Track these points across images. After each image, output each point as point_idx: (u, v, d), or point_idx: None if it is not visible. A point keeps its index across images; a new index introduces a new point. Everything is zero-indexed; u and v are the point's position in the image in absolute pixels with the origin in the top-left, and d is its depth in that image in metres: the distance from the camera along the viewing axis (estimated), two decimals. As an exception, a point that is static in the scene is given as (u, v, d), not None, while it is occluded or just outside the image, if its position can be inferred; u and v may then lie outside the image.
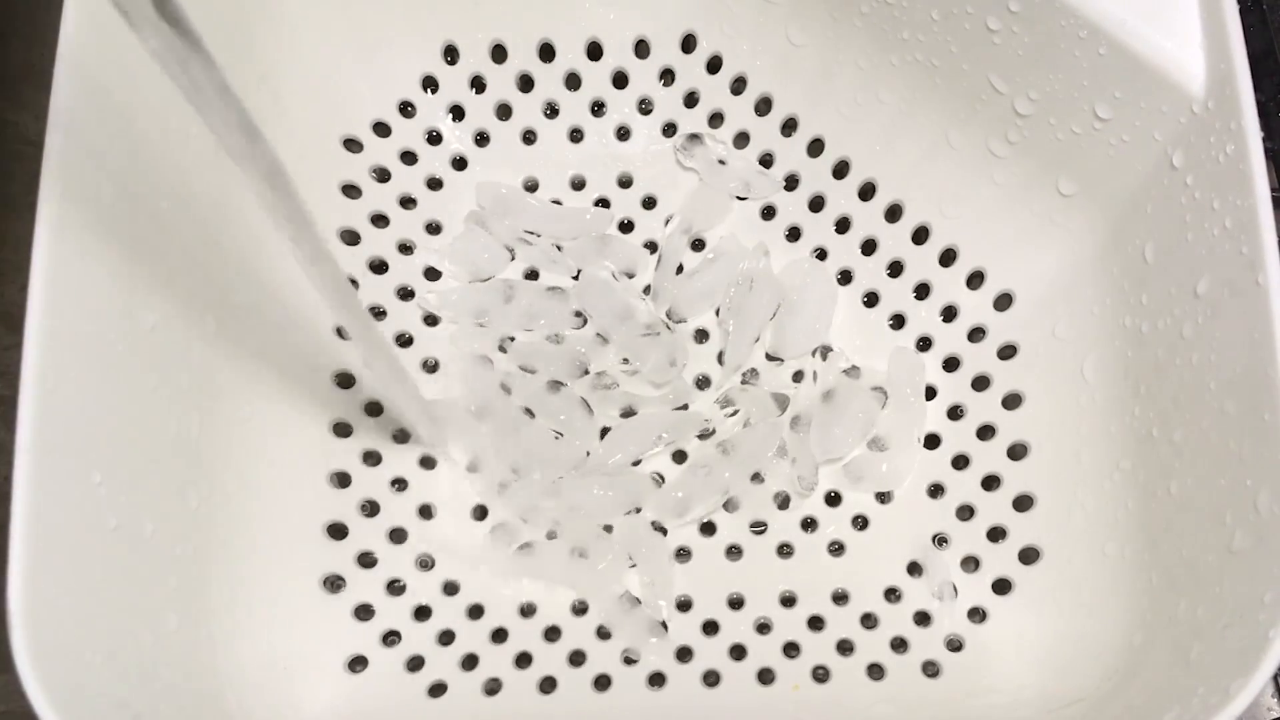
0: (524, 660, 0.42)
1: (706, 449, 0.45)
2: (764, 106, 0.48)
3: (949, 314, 0.45)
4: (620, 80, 0.49)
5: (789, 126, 0.48)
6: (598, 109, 0.49)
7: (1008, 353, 0.44)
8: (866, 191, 0.46)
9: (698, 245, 0.49)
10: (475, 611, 0.43)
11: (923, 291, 0.46)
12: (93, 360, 0.33)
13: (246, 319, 0.41)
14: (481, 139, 0.49)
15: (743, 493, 0.45)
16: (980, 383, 0.44)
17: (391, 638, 0.42)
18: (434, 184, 0.48)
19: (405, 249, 0.47)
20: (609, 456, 0.45)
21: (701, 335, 0.48)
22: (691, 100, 0.49)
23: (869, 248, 0.47)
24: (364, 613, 0.42)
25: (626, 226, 0.49)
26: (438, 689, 0.41)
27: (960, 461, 0.44)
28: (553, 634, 0.43)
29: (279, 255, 0.43)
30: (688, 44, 0.48)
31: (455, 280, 0.47)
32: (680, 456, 0.46)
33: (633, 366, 0.46)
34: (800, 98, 0.47)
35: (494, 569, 0.43)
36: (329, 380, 0.45)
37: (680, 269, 0.48)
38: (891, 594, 0.43)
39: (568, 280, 0.48)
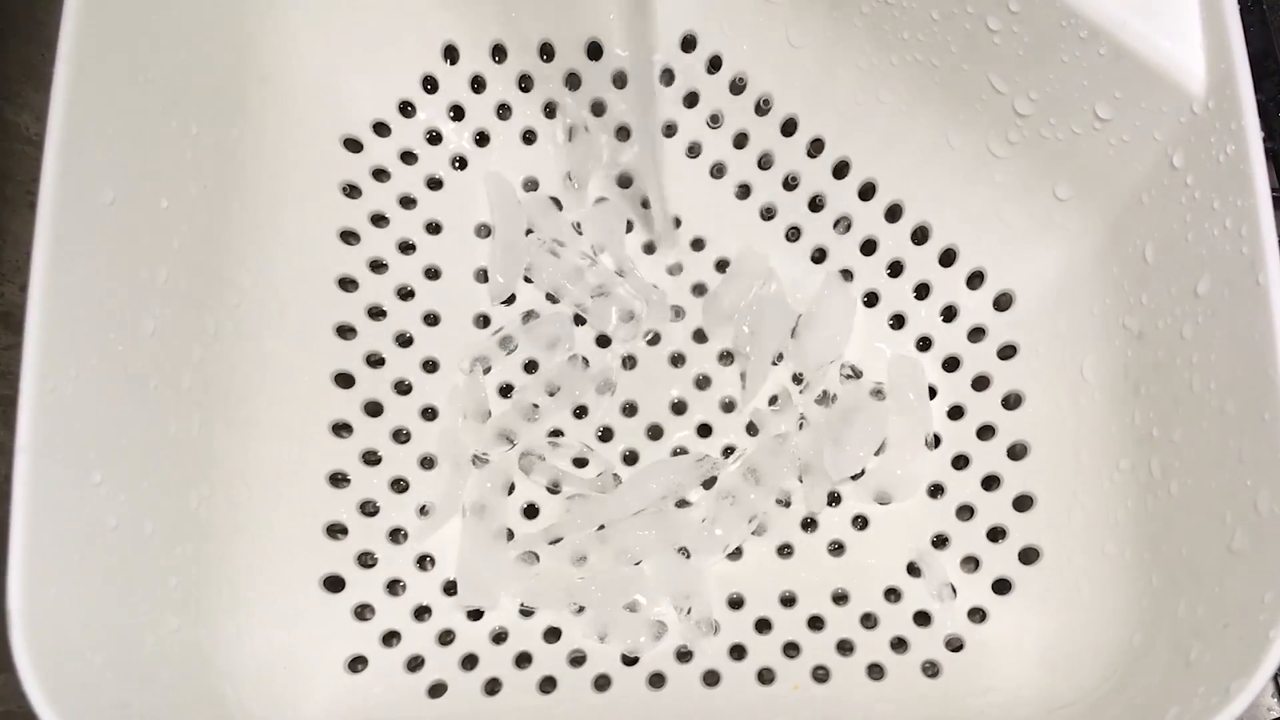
0: (524, 660, 0.42)
1: (732, 476, 0.45)
2: (764, 106, 0.48)
3: (949, 314, 0.45)
4: (620, 80, 0.49)
5: (789, 126, 0.48)
6: (598, 109, 0.49)
7: (1008, 353, 0.44)
8: (866, 191, 0.46)
9: (721, 266, 0.49)
10: (475, 612, 0.43)
11: (923, 291, 0.46)
12: (93, 360, 0.33)
13: (246, 318, 0.41)
14: (481, 139, 0.49)
15: (767, 515, 0.45)
16: (980, 383, 0.44)
17: (391, 638, 0.42)
18: (434, 184, 0.48)
19: (405, 249, 0.47)
20: (630, 503, 0.45)
21: (725, 357, 0.48)
22: (691, 100, 0.49)
23: (869, 248, 0.47)
24: (364, 613, 0.42)
25: (626, 227, 0.49)
26: (438, 689, 0.41)
27: (960, 461, 0.44)
28: (552, 634, 0.43)
29: (280, 255, 0.43)
30: (688, 44, 0.48)
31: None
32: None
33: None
34: (800, 98, 0.47)
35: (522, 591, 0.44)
36: (329, 380, 0.45)
37: (704, 290, 0.48)
38: (891, 594, 0.43)
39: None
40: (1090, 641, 0.37)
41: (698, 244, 0.49)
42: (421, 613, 0.43)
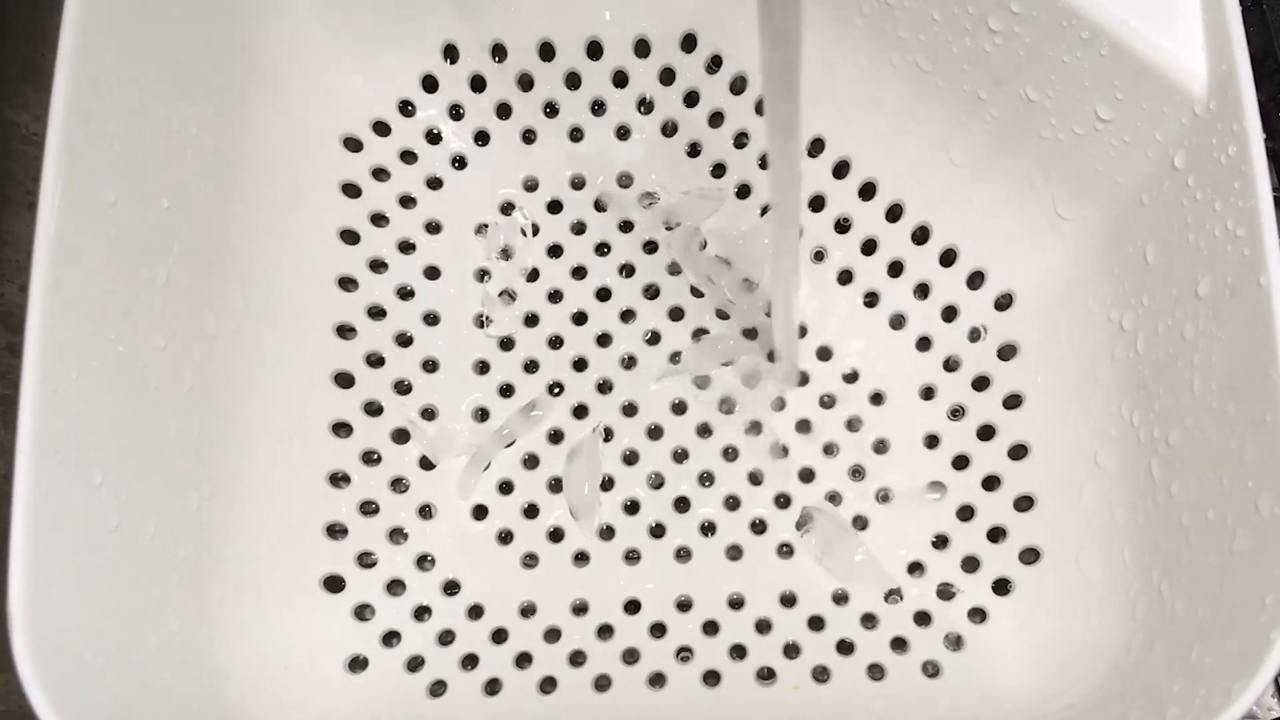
0: (524, 660, 0.42)
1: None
2: (764, 107, 0.48)
3: (949, 314, 0.45)
4: (620, 80, 0.49)
5: (789, 126, 0.47)
6: (598, 108, 0.49)
7: (1008, 353, 0.44)
8: (866, 191, 0.46)
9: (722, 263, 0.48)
10: (475, 611, 0.43)
11: (923, 291, 0.46)
12: (93, 360, 0.33)
13: (246, 317, 0.41)
14: (481, 138, 0.49)
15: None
16: (980, 383, 0.44)
17: (391, 638, 0.42)
18: (434, 184, 0.48)
19: (405, 248, 0.47)
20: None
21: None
22: (691, 100, 0.49)
23: (869, 248, 0.47)
24: (364, 613, 0.42)
25: (626, 226, 0.49)
26: (438, 689, 0.41)
27: (960, 461, 0.44)
28: (553, 634, 0.43)
29: (279, 255, 0.43)
30: (688, 44, 0.48)
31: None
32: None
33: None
34: (800, 98, 0.47)
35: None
36: (329, 379, 0.45)
37: (699, 294, 0.48)
38: (891, 594, 0.43)
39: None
40: (1090, 642, 0.37)
41: (700, 243, 0.49)
42: (421, 613, 0.43)
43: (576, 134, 0.49)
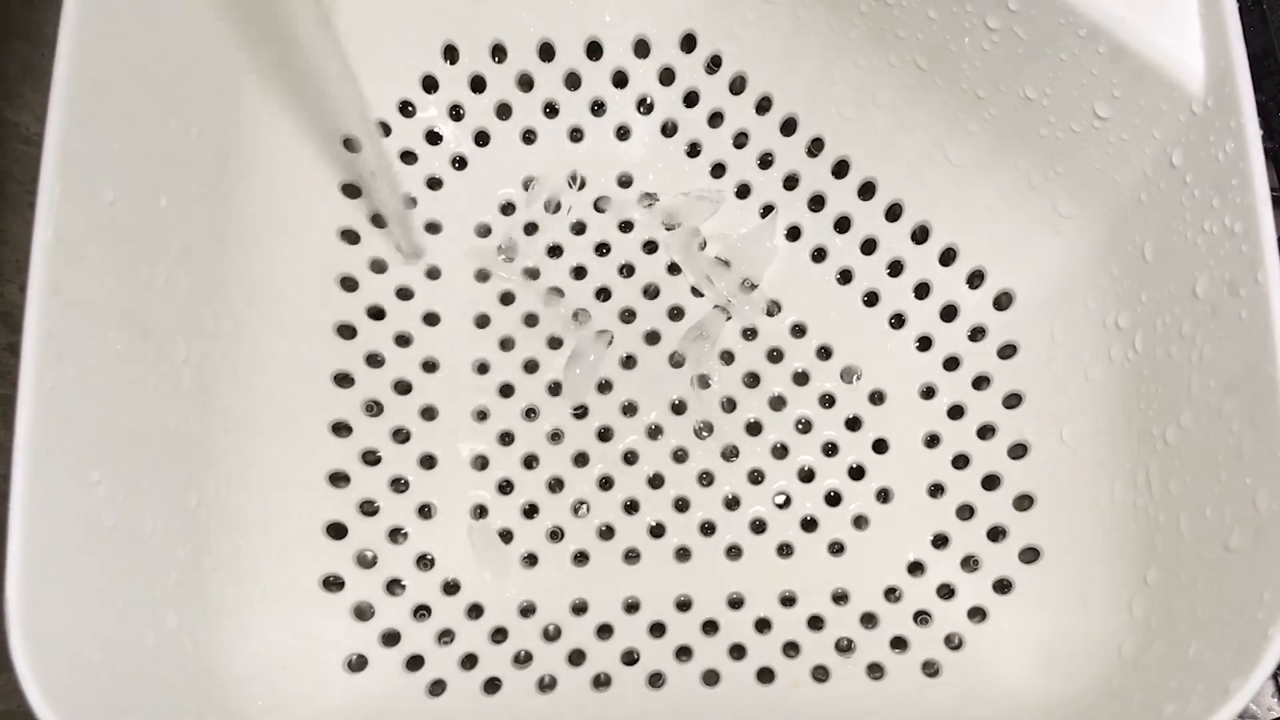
0: (524, 660, 0.42)
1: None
2: (764, 106, 0.48)
3: (949, 314, 0.45)
4: (620, 80, 0.49)
5: (789, 126, 0.48)
6: (598, 109, 0.49)
7: (1008, 352, 0.44)
8: (866, 191, 0.46)
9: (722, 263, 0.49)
10: (475, 611, 0.43)
11: (923, 291, 0.46)
12: (92, 360, 0.33)
13: (246, 317, 0.41)
14: (481, 139, 0.49)
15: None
16: (980, 383, 0.44)
17: (391, 637, 0.42)
18: (434, 184, 0.49)
19: (405, 249, 0.48)
20: None
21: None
22: (691, 100, 0.49)
23: (869, 247, 0.47)
24: (364, 613, 0.42)
25: (626, 226, 0.49)
26: (437, 689, 0.41)
27: (960, 461, 0.44)
28: (552, 634, 0.43)
29: (279, 255, 0.43)
30: (688, 44, 0.48)
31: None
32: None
33: None
34: (800, 98, 0.47)
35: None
36: (329, 379, 0.45)
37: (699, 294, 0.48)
38: (891, 594, 0.43)
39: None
40: (1089, 640, 0.37)
41: (700, 243, 0.49)
42: (421, 613, 0.43)
43: (576, 134, 0.49)
